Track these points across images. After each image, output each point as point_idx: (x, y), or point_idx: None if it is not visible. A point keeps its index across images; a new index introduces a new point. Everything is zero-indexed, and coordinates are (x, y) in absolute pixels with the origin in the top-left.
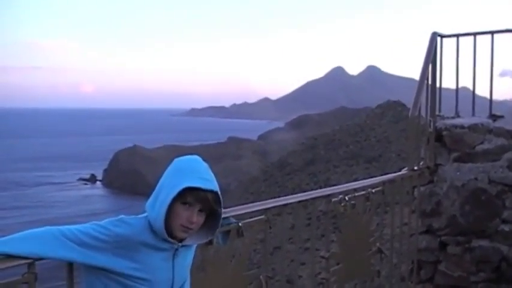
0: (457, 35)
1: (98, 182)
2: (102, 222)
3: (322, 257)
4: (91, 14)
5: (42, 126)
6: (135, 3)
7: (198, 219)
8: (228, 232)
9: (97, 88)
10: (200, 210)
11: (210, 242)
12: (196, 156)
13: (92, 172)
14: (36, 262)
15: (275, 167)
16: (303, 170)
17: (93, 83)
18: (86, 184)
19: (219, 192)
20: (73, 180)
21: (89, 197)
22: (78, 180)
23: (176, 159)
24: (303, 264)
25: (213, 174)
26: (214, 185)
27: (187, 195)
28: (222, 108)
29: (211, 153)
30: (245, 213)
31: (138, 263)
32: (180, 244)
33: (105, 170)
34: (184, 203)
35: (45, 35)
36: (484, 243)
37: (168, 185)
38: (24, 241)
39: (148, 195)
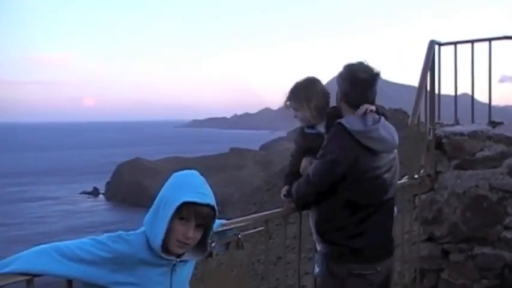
0: (455, 43)
1: (100, 195)
2: (100, 238)
3: None
4: (91, 27)
5: (43, 140)
6: (135, 15)
7: (195, 234)
8: (228, 243)
9: (99, 101)
10: (197, 226)
11: (210, 255)
12: (193, 171)
13: (95, 185)
14: (35, 279)
15: (278, 176)
16: None
17: (95, 96)
18: (88, 197)
19: (216, 207)
20: (75, 194)
21: (90, 211)
22: (80, 193)
23: (174, 174)
24: (307, 274)
25: (209, 189)
26: (210, 199)
27: (184, 210)
28: (223, 119)
29: (213, 164)
30: (246, 224)
31: (135, 279)
32: (177, 259)
33: (108, 183)
34: (181, 218)
35: (45, 49)
36: (486, 250)
37: (166, 201)
38: (24, 259)
39: (150, 208)
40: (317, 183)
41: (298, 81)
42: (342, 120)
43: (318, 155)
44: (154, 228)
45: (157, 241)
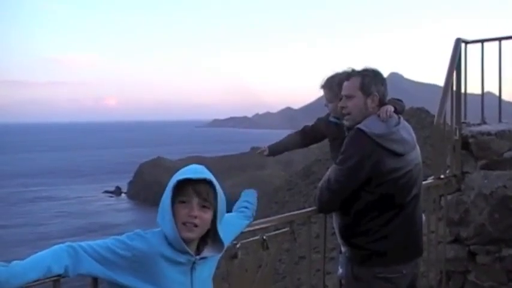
0: (482, 41)
1: (122, 195)
2: (120, 237)
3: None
4: (112, 28)
5: (67, 141)
6: (156, 16)
7: (201, 214)
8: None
9: (120, 101)
10: (204, 207)
11: (235, 256)
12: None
13: (117, 184)
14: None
15: (299, 176)
16: None
17: (117, 96)
18: (111, 197)
19: (213, 181)
20: (98, 193)
21: (111, 210)
22: (103, 192)
23: None
24: (328, 273)
25: (207, 171)
26: (206, 174)
27: (183, 191)
28: (244, 118)
29: (234, 164)
30: (270, 225)
31: (155, 278)
32: (197, 257)
33: (130, 182)
34: (183, 202)
35: (67, 50)
36: None
37: (166, 190)
38: (48, 259)
39: None
40: (338, 190)
41: (338, 72)
42: (361, 126)
43: (337, 160)
44: (163, 219)
45: (169, 229)
